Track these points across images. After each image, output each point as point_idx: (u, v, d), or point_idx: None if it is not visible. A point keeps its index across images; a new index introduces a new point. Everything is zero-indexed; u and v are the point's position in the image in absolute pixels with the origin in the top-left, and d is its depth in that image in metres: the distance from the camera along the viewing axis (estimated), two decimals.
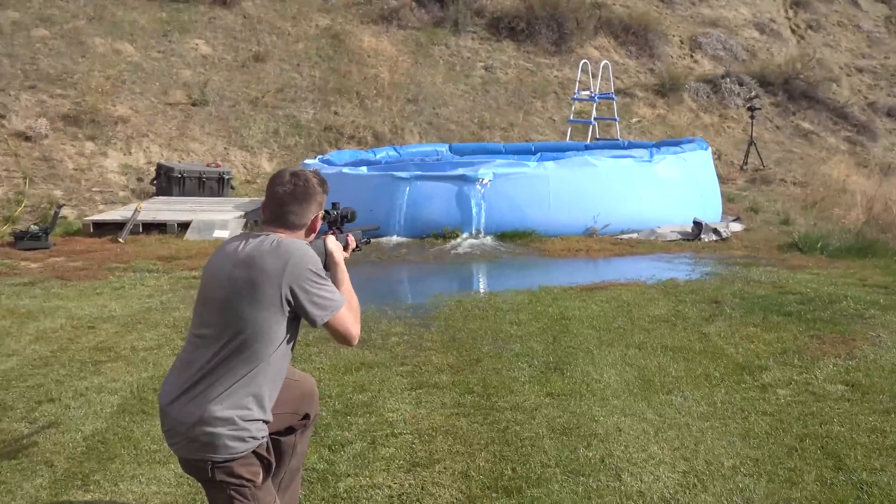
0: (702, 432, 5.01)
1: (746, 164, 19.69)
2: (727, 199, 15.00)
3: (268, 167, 16.90)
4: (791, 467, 4.55)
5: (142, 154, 16.14)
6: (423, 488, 4.34)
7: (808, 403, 5.45)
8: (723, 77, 24.33)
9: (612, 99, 19.79)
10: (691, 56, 25.70)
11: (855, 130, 23.78)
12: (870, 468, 4.54)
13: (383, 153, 15.96)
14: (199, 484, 3.23)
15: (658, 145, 15.24)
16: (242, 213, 12.99)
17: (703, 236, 12.01)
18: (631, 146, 15.87)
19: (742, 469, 4.53)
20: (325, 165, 13.29)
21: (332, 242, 3.53)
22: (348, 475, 4.49)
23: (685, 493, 4.27)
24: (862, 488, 4.32)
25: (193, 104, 17.78)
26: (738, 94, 23.93)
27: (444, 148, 17.18)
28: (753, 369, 6.13)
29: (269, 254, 3.15)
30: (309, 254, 3.21)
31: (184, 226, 12.29)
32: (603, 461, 4.61)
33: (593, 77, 19.74)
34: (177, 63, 18.87)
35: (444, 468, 4.56)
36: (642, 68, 24.26)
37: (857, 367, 6.17)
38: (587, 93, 19.60)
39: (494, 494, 4.27)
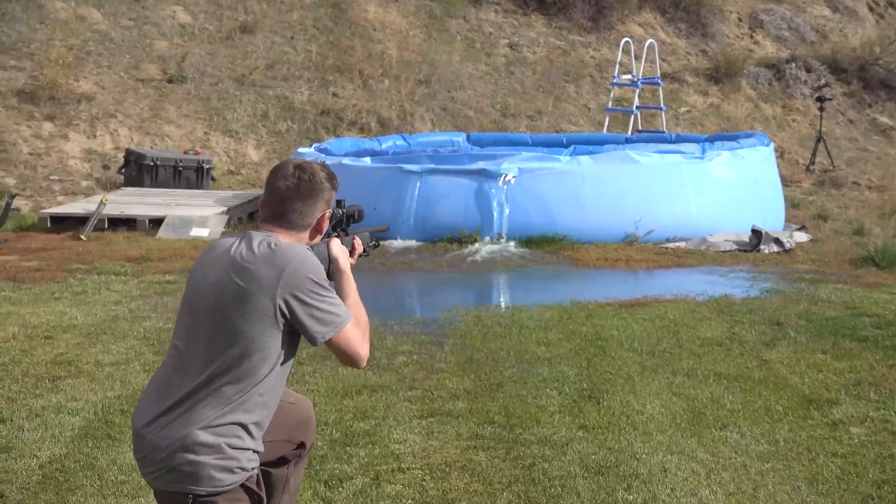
0: (761, 475, 5.01)
1: (814, 163, 19.70)
2: (791, 204, 15.00)
3: (254, 156, 16.98)
4: None
5: (108, 138, 16.23)
6: None
7: (887, 444, 5.44)
8: (788, 62, 24.35)
9: (658, 84, 19.78)
10: (751, 36, 25.74)
11: None
12: None
13: (390, 142, 16.02)
14: None
15: (711, 139, 15.25)
16: (225, 208, 13.05)
17: (762, 247, 12.02)
18: (679, 140, 15.87)
19: None
20: (322, 155, 13.31)
21: (337, 247, 3.52)
22: None
23: None
24: None
25: (169, 81, 17.86)
26: (806, 81, 23.95)
27: (460, 138, 17.23)
28: (822, 403, 6.12)
29: (264, 259, 3.15)
30: (310, 260, 3.22)
31: (156, 222, 12.34)
32: None
33: (636, 59, 19.74)
34: (151, 33, 18.97)
35: None
36: (693, 49, 24.30)
37: None
38: (629, 77, 19.60)
39: None
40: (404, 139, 16.34)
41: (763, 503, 4.68)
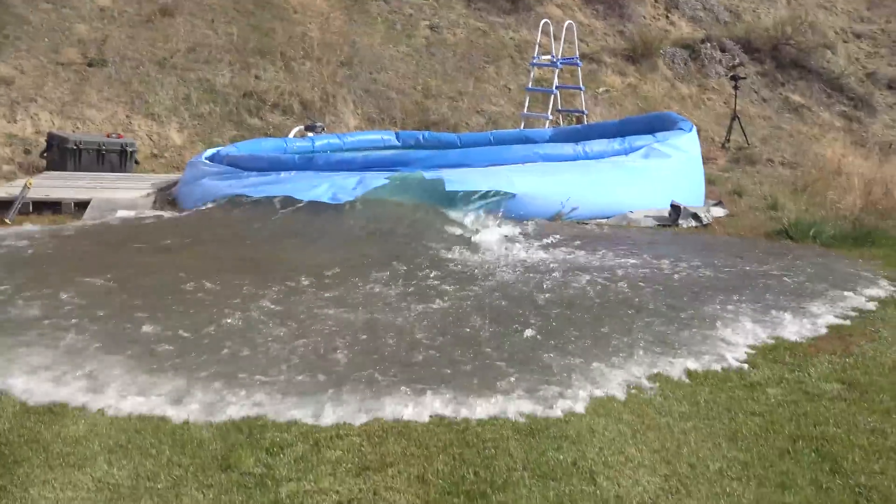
0: (684, 433, 5.24)
1: (729, 141, 20.05)
2: (708, 180, 15.28)
3: (177, 139, 16.93)
4: (783, 471, 4.79)
5: (29, 122, 16.10)
6: (375, 493, 4.51)
7: (801, 403, 5.72)
8: (702, 42, 24.71)
9: (577, 65, 20.03)
10: (667, 17, 26.08)
11: (851, 105, 24.27)
12: (869, 471, 4.80)
13: (324, 141, 16.04)
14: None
15: (624, 124, 15.53)
16: (151, 191, 13.04)
17: (681, 221, 12.31)
18: (591, 131, 16.04)
19: (729, 472, 4.77)
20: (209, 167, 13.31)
21: None
22: (290, 480, 4.65)
23: (667, 497, 4.50)
24: (860, 493, 4.58)
25: (90, 65, 17.73)
26: (720, 61, 24.32)
27: (390, 136, 17.24)
28: (740, 367, 6.40)
29: None
30: None
31: (82, 205, 12.28)
32: (575, 464, 4.82)
33: (555, 40, 19.95)
34: (70, 16, 18.80)
35: (398, 472, 4.73)
36: (611, 30, 24.58)
37: (854, 364, 6.48)
38: (548, 57, 19.82)
39: (456, 500, 4.46)
40: (339, 138, 16.38)
41: (686, 459, 4.91)
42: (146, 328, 6.94)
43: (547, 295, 8.16)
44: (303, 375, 6.02)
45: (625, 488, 4.58)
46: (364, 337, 6.87)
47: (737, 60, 24.21)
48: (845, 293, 8.52)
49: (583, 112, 19.50)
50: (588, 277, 8.79)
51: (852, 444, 5.13)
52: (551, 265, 9.40)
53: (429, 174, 11.78)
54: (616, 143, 13.29)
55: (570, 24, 20.36)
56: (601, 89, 22.03)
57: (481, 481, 4.64)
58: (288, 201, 11.26)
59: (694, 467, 4.82)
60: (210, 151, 14.30)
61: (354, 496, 4.49)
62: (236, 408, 5.48)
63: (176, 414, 5.38)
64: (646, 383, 6.00)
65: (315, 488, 4.57)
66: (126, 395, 5.63)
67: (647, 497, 4.50)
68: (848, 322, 7.62)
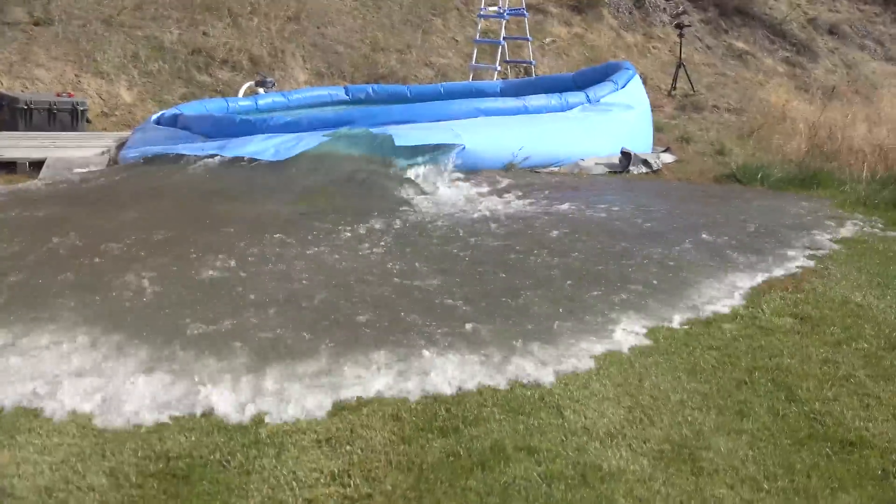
0: (645, 368, 5.45)
1: (675, 88, 20.28)
2: (656, 128, 15.49)
3: (127, 97, 16.87)
4: (741, 400, 5.03)
5: None
6: (352, 431, 4.68)
7: (756, 337, 5.96)
8: None
9: (524, 16, 20.06)
10: None
11: (794, 50, 24.59)
12: (822, 398, 5.05)
13: (268, 99, 16.00)
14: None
15: (578, 78, 15.66)
16: (105, 149, 13.03)
17: (632, 168, 12.50)
18: (543, 82, 16.20)
19: (690, 403, 4.99)
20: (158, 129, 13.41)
21: None
22: (267, 421, 4.81)
23: (632, 426, 4.70)
24: (815, 418, 4.82)
25: (36, 24, 17.58)
26: (665, 9, 24.50)
27: (339, 91, 17.08)
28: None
29: None
30: None
31: (37, 165, 12.27)
32: (542, 399, 5.01)
33: None
34: None
35: (373, 411, 4.90)
36: None
37: (805, 299, 6.75)
38: (494, 9, 19.87)
39: (430, 435, 4.64)
40: (284, 96, 16.32)
41: (649, 392, 5.12)
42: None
43: (501, 235, 8.36)
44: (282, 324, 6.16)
45: (591, 420, 4.78)
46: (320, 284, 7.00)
47: (681, 8, 24.36)
48: (794, 233, 8.78)
49: (531, 63, 19.61)
50: (539, 223, 9.00)
51: (806, 373, 5.37)
52: (505, 212, 9.58)
53: (376, 130, 11.85)
54: (554, 99, 13.46)
55: None
56: (548, 40, 22.13)
57: (453, 417, 4.81)
58: (234, 160, 11.26)
59: (656, 399, 5.03)
60: (155, 116, 14.28)
61: (332, 434, 4.65)
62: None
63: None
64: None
65: (293, 428, 4.72)
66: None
67: (613, 427, 4.69)
68: (800, 261, 7.87)
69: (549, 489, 4.11)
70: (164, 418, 4.80)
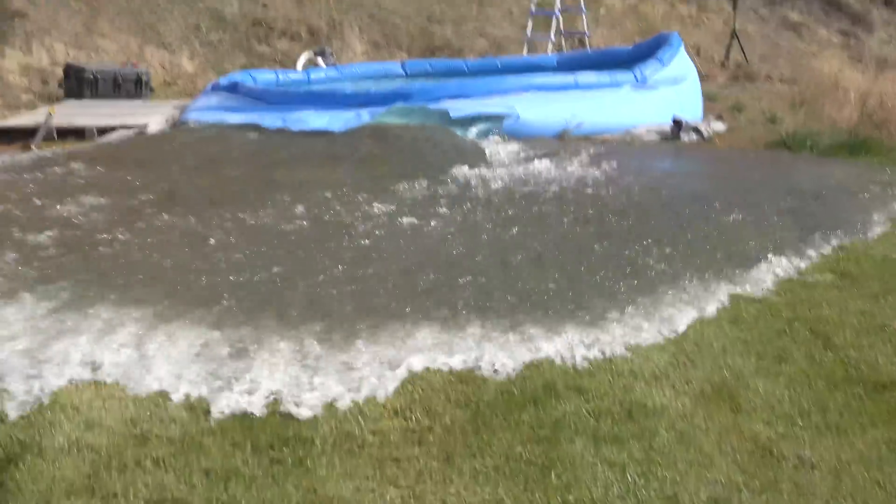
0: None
1: (728, 59, 20.34)
2: (708, 98, 15.62)
3: (189, 67, 17.29)
4: (780, 346, 5.30)
5: (45, 54, 16.44)
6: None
7: (797, 291, 6.22)
8: None
9: None
10: None
11: (849, 22, 24.51)
12: (858, 346, 5.31)
13: (321, 74, 16.28)
14: None
15: (634, 52, 15.81)
16: (169, 116, 13.41)
17: (682, 136, 12.67)
18: (603, 56, 16.41)
19: (731, 349, 5.26)
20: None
21: None
22: None
23: (675, 370, 4.99)
24: (850, 363, 5.09)
25: None
26: None
27: (395, 66, 17.21)
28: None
29: None
30: None
31: (103, 131, 12.67)
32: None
33: None
34: None
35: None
36: None
37: (846, 257, 6.98)
38: None
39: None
40: (338, 70, 16.51)
41: (692, 339, 5.40)
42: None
43: (567, 198, 8.65)
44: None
45: (637, 364, 5.06)
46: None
47: None
48: (838, 196, 9.01)
49: (585, 34, 19.76)
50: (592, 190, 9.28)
51: (843, 323, 5.63)
52: (557, 175, 9.87)
53: (432, 105, 12.19)
54: (604, 77, 13.69)
55: None
56: (602, 11, 22.24)
57: None
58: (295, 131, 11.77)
59: (699, 346, 5.31)
60: (222, 81, 14.67)
61: None
62: None
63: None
64: None
65: None
66: None
67: (658, 370, 4.98)
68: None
69: (597, 423, 4.41)
70: None
